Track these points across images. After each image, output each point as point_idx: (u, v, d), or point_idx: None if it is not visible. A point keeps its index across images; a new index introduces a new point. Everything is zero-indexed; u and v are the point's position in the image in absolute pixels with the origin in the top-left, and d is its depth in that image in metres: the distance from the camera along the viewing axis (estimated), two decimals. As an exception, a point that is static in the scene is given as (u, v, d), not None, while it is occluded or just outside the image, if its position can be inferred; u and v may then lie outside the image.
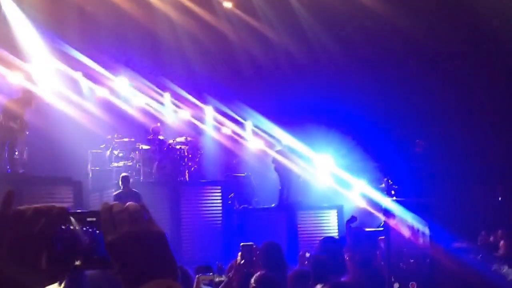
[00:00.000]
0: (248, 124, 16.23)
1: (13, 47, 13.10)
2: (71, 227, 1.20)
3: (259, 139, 15.88)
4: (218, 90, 15.03)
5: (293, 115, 14.30)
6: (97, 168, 12.84)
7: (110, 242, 1.12)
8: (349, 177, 14.02)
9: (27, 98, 10.85)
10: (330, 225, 12.57)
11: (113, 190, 11.35)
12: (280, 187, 13.03)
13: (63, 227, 1.19)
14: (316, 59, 14.35)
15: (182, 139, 13.47)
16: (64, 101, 13.91)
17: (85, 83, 14.69)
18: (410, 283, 3.31)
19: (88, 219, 1.21)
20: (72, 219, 1.21)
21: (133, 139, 13.08)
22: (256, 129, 16.12)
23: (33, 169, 11.54)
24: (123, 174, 10.86)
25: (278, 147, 13.53)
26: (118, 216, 1.15)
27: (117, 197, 10.25)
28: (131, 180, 10.88)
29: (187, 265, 5.73)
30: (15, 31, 13.15)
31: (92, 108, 14.36)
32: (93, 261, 1.17)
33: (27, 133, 11.23)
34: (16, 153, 11.08)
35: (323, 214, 12.76)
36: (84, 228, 1.20)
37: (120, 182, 10.64)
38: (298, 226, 12.13)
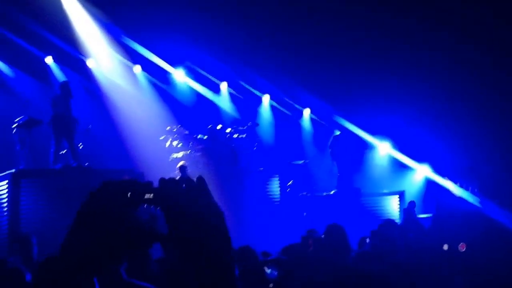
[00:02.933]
0: (306, 111, 16.14)
1: (73, 42, 13.55)
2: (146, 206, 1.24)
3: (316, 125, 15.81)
4: (275, 77, 14.98)
5: (353, 99, 14.10)
6: (158, 159, 13.06)
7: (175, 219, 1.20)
8: (410, 162, 13.73)
9: (67, 91, 11.20)
10: (392, 211, 12.33)
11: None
12: (338, 174, 12.92)
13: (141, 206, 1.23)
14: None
15: (239, 128, 13.53)
16: (124, 94, 14.29)
17: (144, 76, 15.02)
18: (460, 243, 3.13)
19: (146, 196, 1.23)
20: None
21: (191, 130, 13.23)
22: (313, 116, 16.03)
23: (97, 162, 11.89)
24: (181, 163, 11.12)
25: (336, 133, 13.38)
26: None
27: None
28: (188, 169, 11.13)
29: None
30: (75, 26, 13.56)
31: (151, 100, 14.70)
32: (156, 237, 1.22)
33: (90, 127, 11.64)
34: (80, 146, 11.45)
35: (384, 200, 12.53)
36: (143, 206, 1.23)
37: (177, 171, 10.91)
38: (359, 212, 11.96)
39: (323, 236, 5.24)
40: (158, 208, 1.22)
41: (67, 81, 11.71)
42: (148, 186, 1.23)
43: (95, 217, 1.21)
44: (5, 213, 10.02)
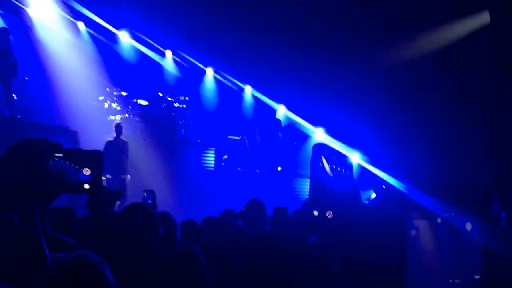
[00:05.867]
0: (248, 89, 16.29)
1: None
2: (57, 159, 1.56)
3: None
4: (220, 51, 15.02)
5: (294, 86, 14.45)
6: (94, 119, 12.91)
7: None
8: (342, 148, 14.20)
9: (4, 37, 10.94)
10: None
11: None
12: (267, 153, 13.47)
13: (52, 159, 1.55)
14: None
15: (180, 97, 13.55)
16: (65, 49, 13.92)
17: (86, 33, 14.66)
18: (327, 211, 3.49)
19: (56, 154, 1.57)
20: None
21: (132, 93, 13.13)
22: (256, 94, 16.21)
23: (31, 116, 11.64)
24: (117, 121, 11.09)
25: (269, 114, 13.95)
26: None
27: (108, 144, 10.72)
28: (123, 129, 11.13)
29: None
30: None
31: (93, 59, 14.38)
32: (64, 186, 1.58)
33: (26, 78, 11.34)
34: (15, 97, 11.17)
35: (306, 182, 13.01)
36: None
37: (113, 129, 10.92)
38: (283, 191, 12.37)
39: (243, 209, 5.50)
40: (67, 163, 1.55)
41: (5, 27, 11.34)
42: (59, 146, 1.56)
43: (15, 163, 1.49)
44: None
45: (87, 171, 1.56)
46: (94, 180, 1.57)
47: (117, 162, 10.61)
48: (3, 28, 11.23)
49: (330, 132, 14.54)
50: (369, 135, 13.57)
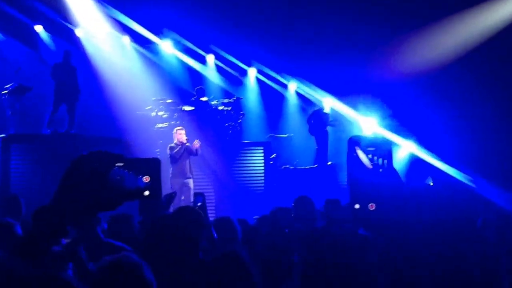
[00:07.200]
0: (292, 86, 16.36)
1: (62, 12, 13.65)
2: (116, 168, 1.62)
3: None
4: (262, 52, 15.16)
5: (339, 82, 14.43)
6: (144, 128, 13.31)
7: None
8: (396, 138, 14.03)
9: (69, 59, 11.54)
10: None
11: (158, 150, 11.94)
12: (316, 147, 13.44)
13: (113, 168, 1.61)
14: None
15: (224, 100, 13.78)
16: (112, 64, 14.46)
17: (131, 47, 15.17)
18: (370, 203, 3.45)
19: (117, 164, 1.63)
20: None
21: (177, 101, 13.45)
22: (300, 91, 16.26)
23: (84, 130, 12.15)
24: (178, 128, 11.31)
25: (316, 108, 13.90)
26: None
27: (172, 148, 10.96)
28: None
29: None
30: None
31: (138, 70, 14.88)
32: (124, 192, 1.65)
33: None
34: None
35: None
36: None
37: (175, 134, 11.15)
38: (337, 187, 12.37)
39: (292, 206, 5.64)
40: (127, 172, 1.64)
41: (69, 50, 12.00)
42: (120, 156, 1.64)
43: (80, 175, 1.59)
44: (-5, 176, 10.33)
45: (146, 179, 1.63)
46: (153, 186, 1.64)
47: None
48: (67, 50, 11.88)
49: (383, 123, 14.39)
50: (426, 122, 13.32)
